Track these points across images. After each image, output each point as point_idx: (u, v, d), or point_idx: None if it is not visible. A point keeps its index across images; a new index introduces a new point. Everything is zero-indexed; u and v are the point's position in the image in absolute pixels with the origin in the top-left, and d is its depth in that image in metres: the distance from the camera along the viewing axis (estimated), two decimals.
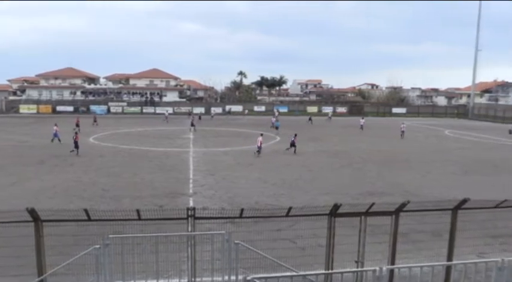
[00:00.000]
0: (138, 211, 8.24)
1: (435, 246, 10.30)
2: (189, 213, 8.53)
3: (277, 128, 48.37)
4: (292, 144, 31.72)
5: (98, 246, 7.66)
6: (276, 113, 65.87)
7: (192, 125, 46.87)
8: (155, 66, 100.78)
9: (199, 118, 61.37)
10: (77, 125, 43.50)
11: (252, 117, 69.66)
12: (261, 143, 30.47)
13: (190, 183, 20.53)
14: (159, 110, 75.56)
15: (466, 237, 9.76)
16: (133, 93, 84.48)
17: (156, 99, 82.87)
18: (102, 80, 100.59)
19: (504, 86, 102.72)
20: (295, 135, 32.91)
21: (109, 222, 7.99)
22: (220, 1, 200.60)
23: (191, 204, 16.25)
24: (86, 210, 8.08)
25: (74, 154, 28.51)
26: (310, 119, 60.90)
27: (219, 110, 76.66)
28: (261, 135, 32.08)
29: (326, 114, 71.81)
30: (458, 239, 9.44)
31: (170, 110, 72.17)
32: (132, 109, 75.26)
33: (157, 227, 8.58)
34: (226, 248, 7.98)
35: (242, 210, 8.68)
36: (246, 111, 74.26)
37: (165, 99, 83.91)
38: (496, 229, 11.08)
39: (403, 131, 43.15)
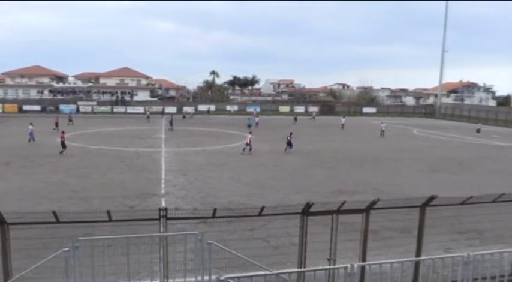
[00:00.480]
0: (108, 212, 8.09)
1: (404, 243, 10.53)
2: (161, 214, 8.43)
3: (249, 126, 48.81)
4: (289, 143, 32.11)
5: (67, 248, 7.48)
6: (255, 113, 66.26)
7: (171, 124, 46.73)
8: (126, 65, 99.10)
9: (184, 117, 61.40)
10: (56, 125, 43.22)
11: (225, 117, 69.50)
12: (250, 141, 30.95)
13: (162, 184, 20.32)
14: (130, 109, 74.43)
15: (433, 234, 10.03)
16: (103, 93, 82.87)
17: (127, 98, 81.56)
18: (71, 79, 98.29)
19: (469, 87, 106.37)
20: (291, 133, 33.33)
21: (78, 224, 7.81)
22: (193, 0, 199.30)
23: (163, 204, 16.09)
24: (54, 212, 7.88)
25: (57, 154, 28.21)
26: (295, 118, 61.39)
27: (190, 109, 76.07)
28: (250, 133, 32.66)
29: (310, 114, 72.13)
30: (427, 235, 9.69)
31: (161, 109, 71.81)
32: (102, 108, 73.81)
33: (128, 228, 8.45)
34: (199, 248, 7.94)
35: (215, 210, 8.65)
36: (191, 110, 71.37)
37: (136, 98, 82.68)
38: (462, 225, 11.43)
39: (383, 131, 44.24)
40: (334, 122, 61.39)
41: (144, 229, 8.54)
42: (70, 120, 50.68)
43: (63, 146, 28.91)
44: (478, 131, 50.45)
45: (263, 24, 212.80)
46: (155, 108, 75.41)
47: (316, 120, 65.29)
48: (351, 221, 9.46)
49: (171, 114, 57.53)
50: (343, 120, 54.70)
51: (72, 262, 7.51)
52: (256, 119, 54.15)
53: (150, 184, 20.16)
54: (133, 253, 7.96)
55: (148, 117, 61.36)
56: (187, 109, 73.03)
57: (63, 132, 30.75)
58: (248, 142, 31.02)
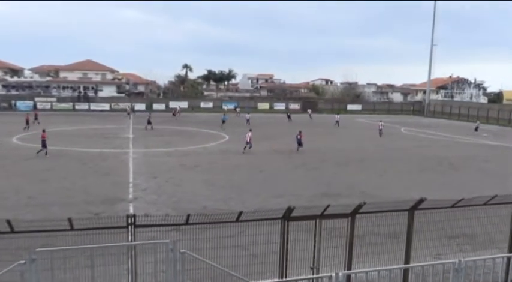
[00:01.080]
0: (69, 220, 7.96)
1: (392, 249, 10.66)
2: (129, 221, 8.34)
3: (223, 121, 50.45)
4: (299, 143, 32.71)
5: (23, 261, 7.29)
6: (238, 110, 69.00)
7: (149, 122, 46.55)
8: (89, 57, 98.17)
9: (174, 114, 61.28)
10: (27, 123, 43.06)
11: (198, 115, 69.23)
12: (250, 138, 31.80)
13: (130, 188, 20.11)
14: (94, 106, 73.42)
15: (423, 239, 10.19)
16: (63, 88, 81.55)
17: (91, 94, 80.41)
18: (27, 72, 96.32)
19: (459, 82, 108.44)
20: (300, 132, 33.77)
21: (36, 233, 7.65)
22: None
23: (131, 210, 15.93)
24: (8, 221, 7.70)
25: (42, 154, 27.88)
26: (288, 116, 61.99)
27: (161, 106, 75.50)
28: (250, 131, 33.36)
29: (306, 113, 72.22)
30: (416, 240, 9.84)
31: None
32: (63, 105, 72.57)
33: (92, 237, 8.32)
34: (171, 259, 7.87)
35: (188, 216, 8.60)
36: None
37: (100, 94, 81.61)
38: (453, 229, 11.64)
39: (380, 130, 44.85)
40: (321, 119, 61.83)
41: (110, 238, 8.41)
42: (36, 119, 49.72)
43: (44, 145, 28.40)
44: (476, 129, 51.74)
45: (240, 14, 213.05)
46: (121, 105, 74.58)
47: (301, 118, 65.64)
48: (336, 226, 9.52)
49: (149, 111, 56.88)
50: (337, 117, 56.45)
51: (28, 276, 7.33)
52: (247, 116, 56.48)
53: (117, 188, 19.91)
54: (98, 265, 7.83)
55: (128, 113, 61.92)
56: (178, 107, 71.74)
57: (43, 131, 29.99)
58: (248, 140, 31.87)
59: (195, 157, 29.29)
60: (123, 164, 26.18)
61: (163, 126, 49.60)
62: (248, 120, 54.62)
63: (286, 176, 23.62)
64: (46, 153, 28.23)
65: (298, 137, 33.40)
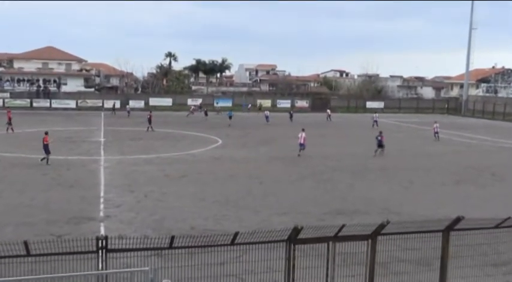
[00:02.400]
0: (26, 243, 7.93)
1: (423, 279, 10.65)
2: (100, 245, 8.34)
3: (230, 117, 55.45)
4: (380, 144, 34.54)
5: None
6: (219, 107, 71.29)
7: (149, 122, 47.30)
8: (50, 43, 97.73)
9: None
10: (9, 123, 44.14)
11: (182, 114, 69.30)
12: (304, 140, 33.20)
13: (100, 204, 20.06)
14: (56, 103, 73.40)
15: (461, 266, 10.17)
16: (19, 81, 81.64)
17: (52, 88, 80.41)
18: None
19: (505, 74, 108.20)
20: (381, 132, 35.54)
21: None
22: None
23: (102, 232, 15.86)
24: None
25: (43, 163, 28.15)
26: (291, 115, 63.08)
27: (139, 103, 75.53)
28: (303, 130, 34.23)
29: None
30: (452, 268, 9.83)
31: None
32: (18, 102, 72.45)
33: (54, 264, 8.30)
34: None
35: (173, 238, 8.58)
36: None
37: (64, 88, 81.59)
38: (498, 255, 11.64)
39: (436, 132, 44.93)
40: (337, 119, 61.98)
41: (76, 266, 8.39)
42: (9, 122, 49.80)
43: (47, 151, 28.57)
44: None
45: None
46: (90, 102, 74.60)
47: (297, 118, 65.71)
48: (353, 250, 9.50)
49: (150, 110, 57.00)
50: (375, 115, 57.40)
51: None
52: (267, 113, 60.77)
53: (85, 204, 19.86)
54: None
55: (128, 112, 64.58)
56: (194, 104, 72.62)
57: (46, 133, 29.93)
58: (302, 141, 33.12)
59: (181, 165, 29.25)
60: (93, 175, 26.11)
61: (141, 128, 49.61)
62: (267, 117, 59.05)
63: (291, 189, 23.60)
64: (47, 162, 28.36)
65: (379, 138, 34.78)
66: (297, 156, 32.87)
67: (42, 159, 28.62)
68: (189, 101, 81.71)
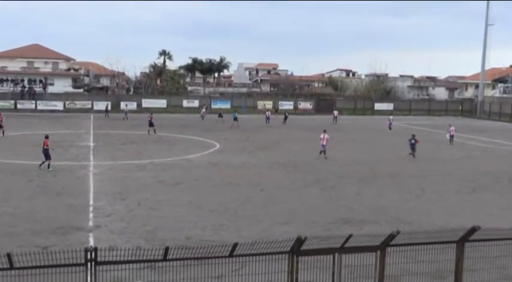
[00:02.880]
0: (9, 256, 7.92)
1: None
2: (89, 257, 8.32)
3: (235, 119, 56.53)
4: (413, 148, 35.69)
5: None
6: (205, 108, 71.41)
7: (151, 125, 47.70)
8: (36, 41, 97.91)
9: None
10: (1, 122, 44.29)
11: (177, 117, 69.38)
12: (326, 141, 34.63)
13: (90, 213, 20.05)
14: (42, 105, 73.45)
15: (476, 281, 10.15)
16: (2, 81, 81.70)
17: (38, 89, 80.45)
18: None
19: None
20: (413, 135, 36.74)
21: None
22: None
23: (91, 243, 15.87)
24: None
25: (44, 168, 28.25)
26: (285, 117, 64.25)
27: (132, 105, 75.58)
28: (325, 131, 35.72)
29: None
30: None
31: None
32: (1, 104, 72.34)
33: (39, 278, 8.28)
34: None
35: (167, 249, 8.56)
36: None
37: (51, 89, 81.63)
38: None
39: (452, 136, 45.24)
40: (345, 122, 61.96)
41: (63, 279, 8.38)
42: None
43: (47, 156, 28.72)
44: None
45: None
46: (79, 104, 74.60)
47: (297, 121, 65.73)
48: (360, 263, 9.48)
49: (151, 112, 57.16)
50: (391, 117, 58.55)
51: None
52: (268, 114, 62.91)
53: (73, 213, 19.84)
54: None
55: (126, 113, 65.17)
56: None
57: (46, 137, 30.02)
58: (324, 143, 34.52)
59: (176, 172, 29.25)
60: (81, 182, 26.11)
61: (133, 131, 49.65)
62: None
63: (294, 196, 23.59)
64: (49, 166, 28.49)
65: (413, 141, 35.77)
66: (317, 157, 34.34)
67: (41, 165, 28.66)
68: (185, 103, 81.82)
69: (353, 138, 49.32)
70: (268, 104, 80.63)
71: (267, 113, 64.19)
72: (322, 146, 34.78)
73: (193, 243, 13.95)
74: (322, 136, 35.18)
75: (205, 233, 17.58)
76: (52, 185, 24.93)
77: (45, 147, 29.11)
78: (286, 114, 66.17)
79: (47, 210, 20.22)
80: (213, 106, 78.86)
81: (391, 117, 59.82)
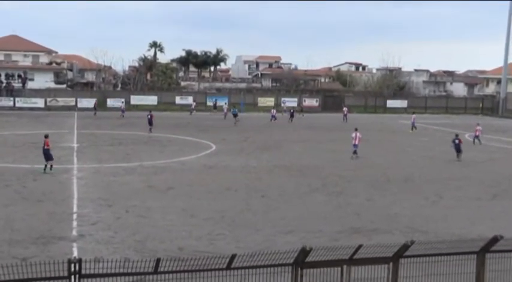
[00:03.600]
0: None
1: None
2: (72, 269, 8.32)
3: (235, 115, 58.95)
4: (458, 149, 36.19)
5: None
6: (194, 105, 74.78)
7: (150, 124, 48.47)
8: (15, 32, 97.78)
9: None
10: None
11: (169, 115, 69.39)
12: (359, 140, 35.85)
13: (73, 221, 20.04)
14: (21, 102, 73.40)
15: None
16: None
17: (17, 84, 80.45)
18: None
19: None
20: (457, 135, 37.36)
21: None
22: None
23: (75, 254, 15.86)
24: None
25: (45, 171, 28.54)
26: (292, 114, 65.24)
27: (118, 102, 75.45)
28: (356, 129, 36.62)
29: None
30: None
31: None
32: None
33: None
34: None
35: (158, 261, 8.57)
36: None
37: (31, 84, 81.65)
38: None
39: (477, 136, 45.38)
40: (355, 121, 62.08)
41: None
42: None
43: (49, 157, 29.13)
44: None
45: None
46: (61, 101, 74.55)
47: (321, 119, 65.73)
48: (371, 275, 9.49)
49: (150, 110, 57.16)
50: (413, 117, 57.67)
51: None
52: (273, 111, 65.62)
53: (55, 222, 19.84)
54: None
55: (123, 111, 66.35)
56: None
57: (46, 137, 30.23)
58: (356, 142, 35.74)
59: (168, 176, 29.24)
60: (64, 187, 26.10)
61: (120, 131, 49.66)
62: (274, 117, 63.68)
63: (298, 203, 23.58)
64: (51, 168, 28.89)
65: (457, 141, 36.29)
66: (350, 158, 35.58)
67: (45, 169, 29.00)
68: (178, 99, 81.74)
69: (363, 138, 49.27)
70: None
71: (272, 111, 66.10)
72: (354, 145, 35.81)
73: (187, 255, 13.97)
74: (353, 135, 36.15)
75: (200, 243, 17.57)
76: (32, 191, 24.89)
77: (45, 147, 29.34)
78: (292, 111, 66.82)
79: (26, 218, 20.19)
80: (207, 103, 79.05)
81: (413, 115, 58.64)
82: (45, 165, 28.99)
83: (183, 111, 73.87)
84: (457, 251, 9.60)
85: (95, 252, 15.86)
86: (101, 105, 72.88)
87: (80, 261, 8.42)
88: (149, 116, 49.38)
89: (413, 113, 61.27)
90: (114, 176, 28.71)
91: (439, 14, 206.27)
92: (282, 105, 79.60)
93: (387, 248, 9.47)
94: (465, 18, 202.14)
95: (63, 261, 8.39)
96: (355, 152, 35.91)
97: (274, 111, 65.86)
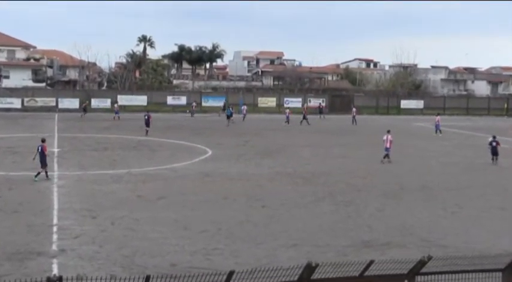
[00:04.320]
0: None
1: None
2: None
3: (228, 116, 60.09)
4: (494, 152, 37.32)
5: None
6: (194, 105, 75.32)
7: (147, 125, 49.06)
8: None
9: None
10: None
11: (160, 117, 69.45)
12: (390, 143, 36.62)
13: (53, 234, 20.04)
14: None
15: None
16: None
17: None
18: None
19: None
20: (495, 137, 38.19)
21: None
22: None
23: (55, 271, 15.83)
24: None
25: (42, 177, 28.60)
26: (304, 117, 64.94)
27: (104, 102, 75.52)
28: (388, 132, 37.57)
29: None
30: None
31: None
32: None
33: None
34: None
35: (148, 278, 8.57)
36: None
37: (6, 82, 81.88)
38: None
39: None
40: (365, 124, 62.04)
41: None
42: None
43: (45, 163, 29.29)
44: None
45: None
46: (40, 101, 74.57)
47: (328, 121, 65.73)
48: None
49: (147, 110, 57.33)
50: (438, 119, 57.38)
51: None
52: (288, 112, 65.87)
53: (32, 235, 19.83)
54: None
55: (117, 112, 66.81)
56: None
57: (43, 141, 30.46)
58: (388, 145, 36.56)
59: (158, 184, 29.25)
60: (43, 196, 26.11)
61: (106, 134, 49.67)
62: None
63: (303, 214, 23.57)
64: (47, 176, 29.06)
65: (494, 143, 37.58)
66: (381, 162, 36.48)
67: (47, 175, 29.22)
68: (169, 99, 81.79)
69: (375, 142, 49.27)
70: (271, 101, 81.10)
71: (287, 111, 67.38)
72: (386, 149, 36.59)
73: (180, 271, 13.96)
74: (385, 137, 37.00)
75: (194, 258, 17.57)
76: (7, 201, 24.89)
77: (43, 151, 29.51)
78: (305, 114, 66.25)
79: (1, 231, 20.19)
80: (203, 103, 79.09)
81: (438, 117, 57.98)
82: (38, 172, 28.96)
83: (176, 113, 73.97)
84: (479, 268, 9.59)
85: (78, 269, 15.82)
86: (86, 107, 72.94)
87: (60, 279, 8.42)
88: (146, 117, 49.58)
89: (438, 114, 60.61)
90: (99, 185, 28.70)
91: (459, 4, 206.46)
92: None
93: (401, 264, 9.46)
94: (489, 9, 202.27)
95: (42, 279, 8.39)
96: (387, 156, 36.65)
97: (289, 111, 66.43)
